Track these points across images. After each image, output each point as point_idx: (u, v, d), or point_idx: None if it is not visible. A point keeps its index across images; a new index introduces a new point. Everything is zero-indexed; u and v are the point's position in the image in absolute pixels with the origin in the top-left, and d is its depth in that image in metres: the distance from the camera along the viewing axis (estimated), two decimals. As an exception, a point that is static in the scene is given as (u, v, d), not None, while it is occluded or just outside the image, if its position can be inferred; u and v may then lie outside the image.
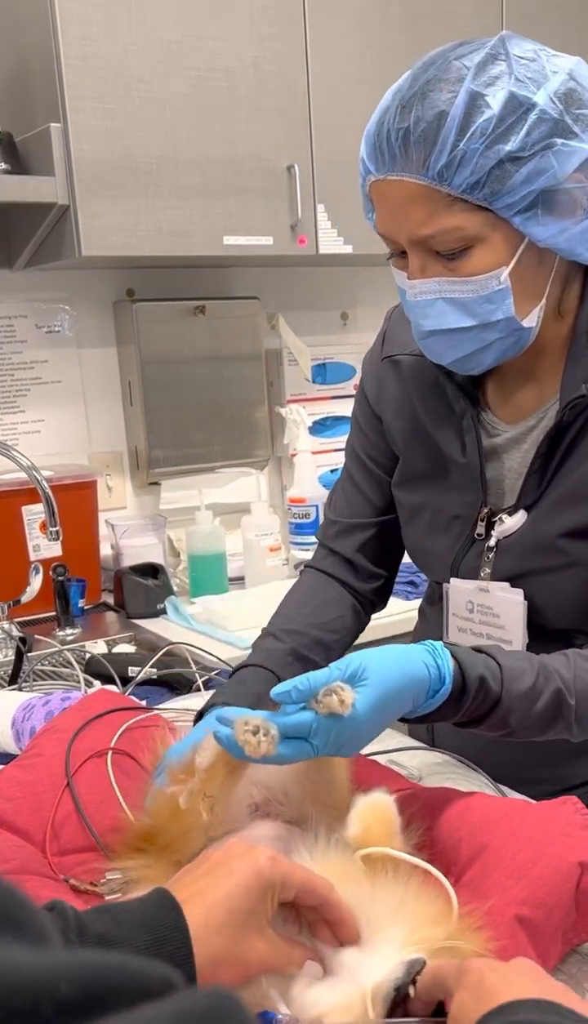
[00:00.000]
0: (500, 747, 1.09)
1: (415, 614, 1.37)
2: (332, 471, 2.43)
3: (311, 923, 0.69)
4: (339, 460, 2.41)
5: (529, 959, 0.61)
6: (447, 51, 0.91)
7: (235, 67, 1.94)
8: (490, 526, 1.08)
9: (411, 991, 0.61)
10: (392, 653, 0.83)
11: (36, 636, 1.70)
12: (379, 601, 1.28)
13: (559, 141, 0.87)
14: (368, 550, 1.24)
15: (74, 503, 1.97)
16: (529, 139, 0.86)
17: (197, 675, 1.43)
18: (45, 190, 1.79)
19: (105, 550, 2.14)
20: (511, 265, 0.92)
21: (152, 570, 2.01)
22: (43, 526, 1.90)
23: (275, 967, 0.65)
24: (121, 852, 0.85)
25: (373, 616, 1.31)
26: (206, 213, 1.95)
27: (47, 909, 0.55)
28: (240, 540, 2.08)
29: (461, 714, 0.86)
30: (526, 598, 1.05)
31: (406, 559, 1.27)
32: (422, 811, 0.86)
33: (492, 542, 1.07)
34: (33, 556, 1.93)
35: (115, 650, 1.75)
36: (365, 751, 1.09)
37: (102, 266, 2.18)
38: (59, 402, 2.21)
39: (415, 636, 1.32)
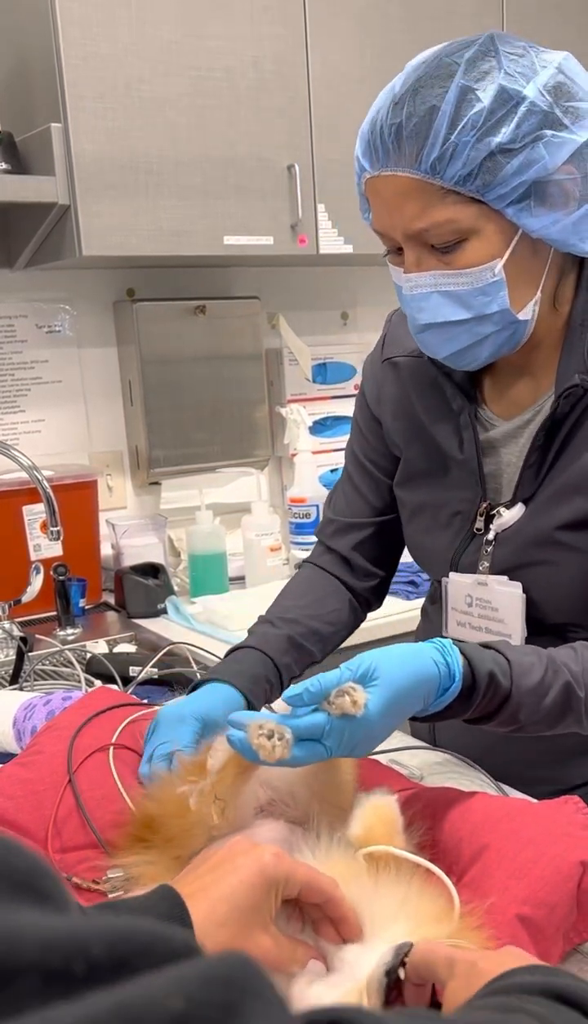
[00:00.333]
0: (501, 747, 1.09)
1: (416, 614, 1.37)
2: (332, 471, 2.43)
3: (315, 921, 0.69)
4: (339, 460, 2.41)
5: (517, 949, 0.61)
6: (438, 51, 0.92)
7: (235, 67, 1.94)
8: (489, 520, 1.08)
9: (401, 974, 0.61)
10: (402, 652, 0.83)
11: (37, 636, 1.70)
12: (374, 600, 1.29)
13: (549, 133, 0.88)
14: (365, 549, 1.25)
15: (74, 503, 1.97)
16: (519, 131, 0.88)
17: (198, 675, 1.43)
18: (45, 190, 1.79)
19: (105, 550, 2.14)
20: (505, 257, 0.93)
21: (152, 570, 2.01)
22: (44, 526, 1.91)
23: (279, 964, 0.65)
24: (123, 844, 0.85)
25: (374, 615, 1.32)
26: (206, 213, 1.95)
27: None
28: (240, 540, 2.08)
29: (472, 711, 0.86)
30: (524, 591, 1.05)
31: (406, 558, 1.27)
32: (424, 811, 0.86)
33: (491, 536, 1.08)
34: (34, 556, 1.93)
35: (116, 650, 1.75)
36: (366, 750, 1.09)
37: (102, 266, 2.18)
38: (59, 402, 2.21)
39: (418, 635, 1.33)
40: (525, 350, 1.03)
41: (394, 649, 0.83)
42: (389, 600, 1.32)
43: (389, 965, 0.62)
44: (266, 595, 1.90)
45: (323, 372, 2.48)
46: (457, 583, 1.12)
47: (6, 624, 1.72)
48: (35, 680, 1.49)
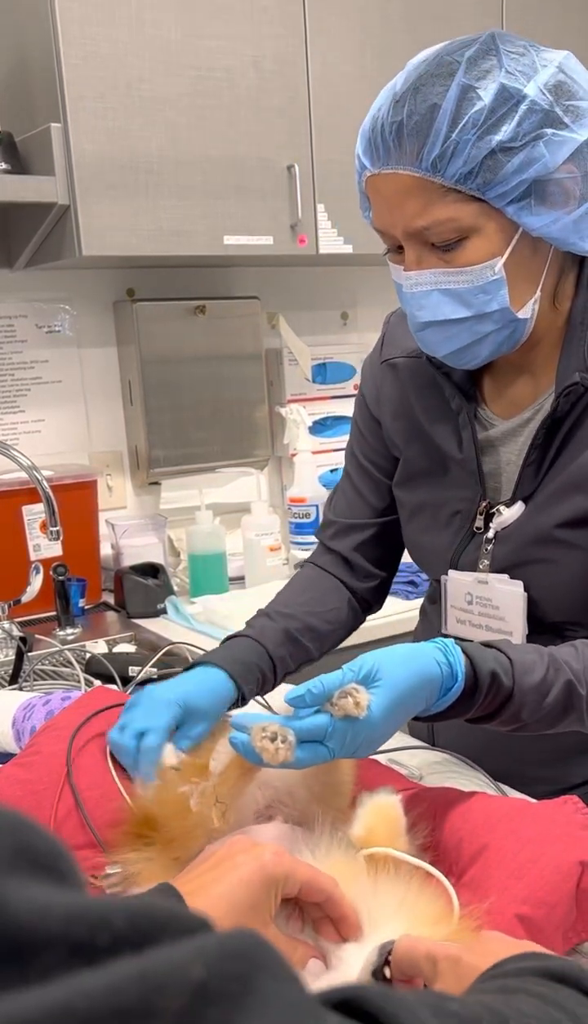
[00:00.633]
0: (500, 746, 1.09)
1: (415, 614, 1.37)
2: (332, 471, 2.43)
3: (315, 921, 0.69)
4: (339, 460, 2.41)
5: (496, 932, 0.61)
6: (439, 49, 0.93)
7: (235, 67, 1.94)
8: (489, 519, 1.08)
9: (387, 972, 0.61)
10: (404, 653, 0.83)
11: (36, 636, 1.70)
12: (375, 602, 1.29)
13: (550, 131, 0.88)
14: (365, 550, 1.25)
15: (74, 503, 1.97)
16: (520, 129, 0.88)
17: (197, 674, 1.43)
18: (45, 190, 1.79)
19: (105, 550, 2.14)
20: (506, 255, 0.93)
21: (152, 570, 2.01)
22: (43, 526, 1.91)
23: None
24: (122, 842, 0.85)
25: (374, 615, 1.32)
26: (206, 213, 1.95)
27: None
28: (240, 540, 2.08)
29: (474, 710, 0.86)
30: (524, 589, 1.05)
31: (406, 559, 1.27)
32: (424, 811, 0.86)
33: (490, 534, 1.08)
34: (33, 556, 1.93)
35: (115, 650, 1.75)
36: (366, 750, 1.09)
37: (102, 266, 2.18)
38: (59, 402, 2.21)
39: (417, 636, 1.33)
40: (525, 348, 1.03)
41: (396, 650, 0.83)
42: (389, 600, 1.32)
43: (375, 965, 0.62)
44: (266, 595, 1.90)
45: (323, 372, 2.48)
46: (457, 581, 1.12)
47: (6, 624, 1.72)
48: (34, 680, 1.49)
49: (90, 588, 1.99)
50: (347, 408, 2.47)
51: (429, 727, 1.25)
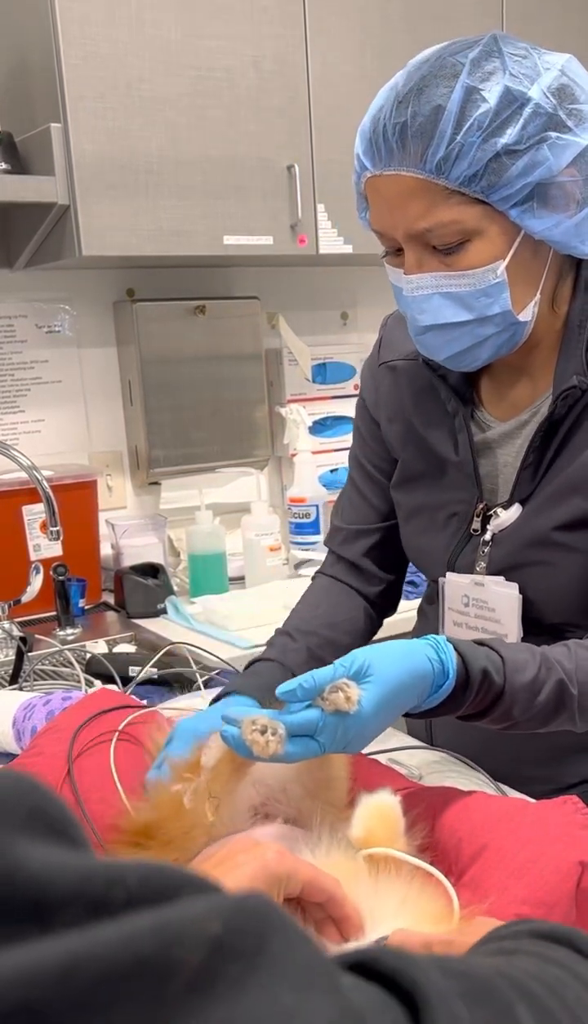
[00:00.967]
0: (499, 746, 1.09)
1: (414, 614, 1.37)
2: (332, 471, 2.43)
3: (317, 921, 0.69)
4: (339, 460, 2.43)
5: (489, 918, 0.61)
6: (441, 49, 0.92)
7: (235, 67, 1.94)
8: (486, 521, 1.08)
9: None
10: (396, 649, 0.83)
11: (37, 636, 1.70)
12: (388, 606, 1.29)
13: (553, 135, 0.88)
14: (374, 555, 1.25)
15: (74, 503, 1.97)
16: (524, 132, 0.88)
17: (198, 675, 1.43)
18: (45, 190, 1.79)
19: (105, 550, 2.14)
20: (508, 258, 0.93)
21: (152, 570, 2.01)
22: (43, 526, 1.91)
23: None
24: (121, 849, 0.85)
25: (373, 616, 1.32)
26: (206, 213, 1.95)
27: None
28: (240, 540, 2.08)
29: (465, 707, 0.86)
30: (520, 591, 1.06)
31: (408, 559, 1.28)
32: (423, 811, 0.87)
33: (487, 536, 1.08)
34: (33, 556, 1.93)
35: (115, 650, 1.75)
36: (365, 750, 1.09)
37: (102, 266, 2.18)
38: (59, 402, 2.21)
39: (415, 635, 1.32)
40: (523, 351, 1.03)
41: (388, 646, 0.83)
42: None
43: None
44: (266, 595, 1.92)
45: (323, 372, 2.48)
46: (454, 583, 1.12)
47: (6, 624, 1.72)
48: (35, 680, 1.49)
49: (90, 588, 1.99)
50: (347, 408, 2.47)
51: (427, 727, 1.26)
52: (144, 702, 1.23)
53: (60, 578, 1.83)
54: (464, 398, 1.10)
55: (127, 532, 2.09)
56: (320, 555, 2.06)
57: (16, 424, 2.16)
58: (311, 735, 0.77)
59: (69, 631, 1.84)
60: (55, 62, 1.76)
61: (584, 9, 2.46)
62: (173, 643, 1.53)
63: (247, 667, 1.14)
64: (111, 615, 2.02)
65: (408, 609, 1.37)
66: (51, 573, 1.82)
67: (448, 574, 1.12)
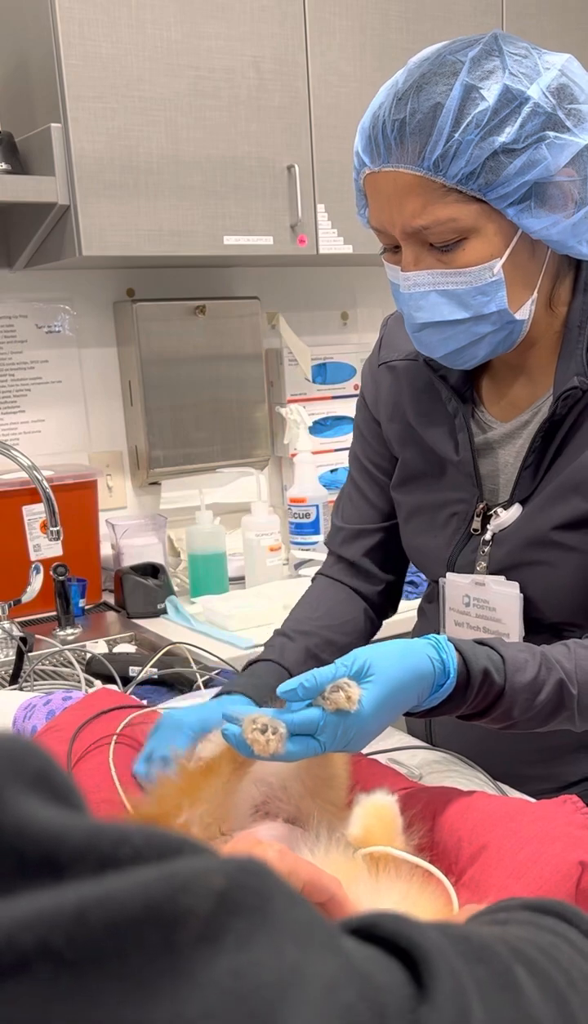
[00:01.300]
0: (499, 745, 1.09)
1: (415, 614, 1.37)
2: (332, 471, 2.43)
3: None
4: (339, 460, 2.43)
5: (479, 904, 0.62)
6: (441, 48, 0.92)
7: (235, 67, 1.94)
8: (486, 521, 1.08)
9: None
10: (397, 648, 0.83)
11: (37, 636, 1.70)
12: (389, 607, 1.29)
13: (552, 134, 0.88)
14: (375, 555, 1.25)
15: (74, 503, 1.97)
16: (523, 131, 0.88)
17: (198, 675, 1.43)
18: (45, 190, 1.79)
19: (105, 550, 2.15)
20: (505, 257, 0.93)
21: (152, 570, 2.01)
22: (43, 526, 1.91)
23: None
24: None
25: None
26: (206, 213, 1.95)
27: None
28: (240, 540, 2.08)
29: (466, 707, 0.86)
30: (521, 591, 1.06)
31: (409, 560, 1.28)
32: (423, 811, 0.87)
33: (488, 536, 1.08)
34: (34, 556, 1.93)
35: (116, 650, 1.75)
36: (365, 750, 1.09)
37: (102, 266, 2.18)
38: (59, 402, 2.21)
39: (415, 634, 1.32)
40: (521, 350, 1.03)
41: (389, 645, 0.83)
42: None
43: None
44: (266, 595, 1.92)
45: (323, 372, 2.48)
46: (455, 583, 1.12)
47: (6, 624, 1.72)
48: (35, 680, 1.49)
49: (90, 588, 1.99)
50: (347, 408, 2.47)
51: (427, 726, 1.26)
52: (144, 702, 1.23)
53: (60, 578, 1.83)
54: (464, 398, 1.10)
55: (127, 532, 2.09)
56: (320, 555, 2.07)
57: (16, 424, 2.16)
58: (312, 734, 0.77)
59: (69, 631, 1.84)
60: (55, 62, 1.76)
61: (584, 9, 2.46)
62: (173, 643, 1.52)
63: (244, 668, 1.14)
64: (111, 615, 2.02)
65: (408, 609, 1.37)
66: (51, 573, 1.82)
67: (448, 574, 1.12)
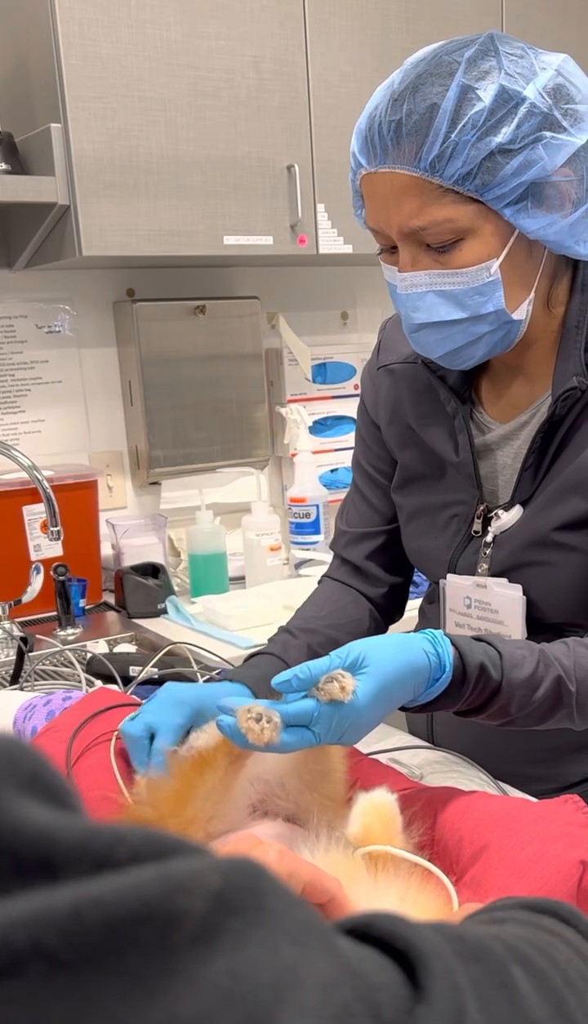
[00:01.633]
0: (500, 745, 1.09)
1: (415, 614, 1.37)
2: (332, 471, 2.43)
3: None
4: (339, 460, 2.43)
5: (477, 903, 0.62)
6: (437, 48, 0.92)
7: (235, 67, 1.94)
8: (486, 522, 1.08)
9: None
10: (392, 641, 0.83)
11: (37, 636, 1.70)
12: (395, 610, 1.30)
13: (548, 134, 0.88)
14: (378, 558, 1.25)
15: (75, 503, 1.97)
16: (519, 132, 0.88)
17: (198, 675, 1.43)
18: (45, 190, 1.79)
19: (106, 550, 2.14)
20: (502, 257, 0.93)
21: (153, 570, 2.01)
22: (44, 526, 1.90)
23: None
24: None
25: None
26: (206, 213, 1.95)
27: None
28: (240, 540, 2.08)
29: (462, 702, 0.86)
30: (522, 592, 1.05)
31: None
32: (424, 810, 0.87)
33: (489, 538, 1.08)
34: (34, 556, 1.93)
35: (116, 650, 1.75)
36: (366, 750, 1.09)
37: (102, 266, 2.18)
38: (59, 402, 2.21)
39: (415, 634, 1.33)
40: (519, 350, 1.03)
41: (384, 638, 0.83)
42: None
43: None
44: (266, 595, 1.92)
45: (323, 372, 2.48)
46: (456, 585, 1.12)
47: (6, 624, 1.72)
48: (35, 680, 1.49)
49: (90, 588, 1.99)
50: (347, 408, 2.47)
51: (428, 726, 1.26)
52: (144, 702, 1.23)
53: (60, 578, 1.83)
54: (463, 399, 1.10)
55: (127, 532, 2.09)
56: (320, 555, 2.07)
57: (16, 424, 2.16)
58: (306, 725, 0.77)
59: (70, 631, 1.84)
60: (55, 62, 1.76)
61: (584, 8, 2.46)
62: (174, 643, 1.52)
63: (246, 660, 1.15)
64: (112, 615, 2.02)
65: (409, 609, 1.37)
66: (51, 573, 1.82)
67: (449, 576, 1.12)
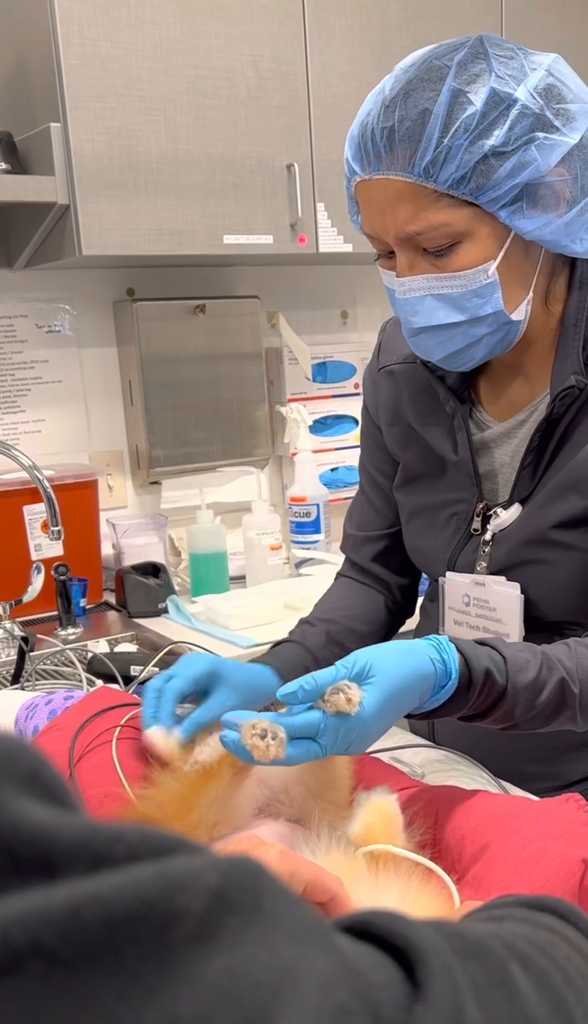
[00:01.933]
0: (501, 743, 1.09)
1: (418, 612, 1.37)
2: (332, 470, 2.43)
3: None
4: (340, 459, 2.43)
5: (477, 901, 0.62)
6: (427, 52, 0.92)
7: (235, 67, 1.94)
8: (485, 520, 1.09)
9: None
10: (398, 649, 0.83)
11: (38, 635, 1.70)
12: (405, 610, 1.31)
13: (541, 135, 0.88)
14: (384, 559, 1.27)
15: (75, 502, 1.97)
16: (512, 134, 0.88)
17: (199, 674, 1.43)
18: (45, 190, 1.79)
19: (106, 549, 2.14)
20: (498, 259, 0.93)
21: (153, 569, 2.01)
22: (44, 525, 1.91)
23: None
24: None
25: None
26: (206, 212, 1.95)
27: None
28: (241, 539, 2.08)
29: (467, 708, 0.86)
30: (521, 590, 1.06)
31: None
32: (425, 809, 0.87)
33: (488, 536, 1.08)
34: (35, 555, 1.93)
35: (117, 649, 1.75)
36: (367, 749, 1.09)
37: (102, 265, 2.18)
38: (59, 402, 2.21)
39: (418, 633, 1.33)
40: (518, 349, 1.03)
41: (390, 646, 0.83)
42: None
43: None
44: (267, 594, 1.92)
45: (323, 371, 2.48)
46: (455, 583, 1.12)
47: (7, 624, 1.72)
48: (36, 680, 1.49)
49: (91, 588, 1.99)
50: (347, 407, 2.47)
51: (430, 725, 1.26)
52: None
53: (61, 578, 1.83)
54: (462, 398, 1.10)
55: (128, 531, 2.09)
56: (320, 554, 2.08)
57: (16, 424, 2.16)
58: (312, 737, 0.77)
59: (70, 631, 1.84)
60: (55, 62, 1.76)
61: (583, 8, 2.46)
62: (174, 642, 1.53)
63: (270, 648, 1.18)
64: (112, 614, 2.02)
65: (411, 608, 1.38)
66: (52, 573, 1.82)
67: (448, 573, 1.13)
